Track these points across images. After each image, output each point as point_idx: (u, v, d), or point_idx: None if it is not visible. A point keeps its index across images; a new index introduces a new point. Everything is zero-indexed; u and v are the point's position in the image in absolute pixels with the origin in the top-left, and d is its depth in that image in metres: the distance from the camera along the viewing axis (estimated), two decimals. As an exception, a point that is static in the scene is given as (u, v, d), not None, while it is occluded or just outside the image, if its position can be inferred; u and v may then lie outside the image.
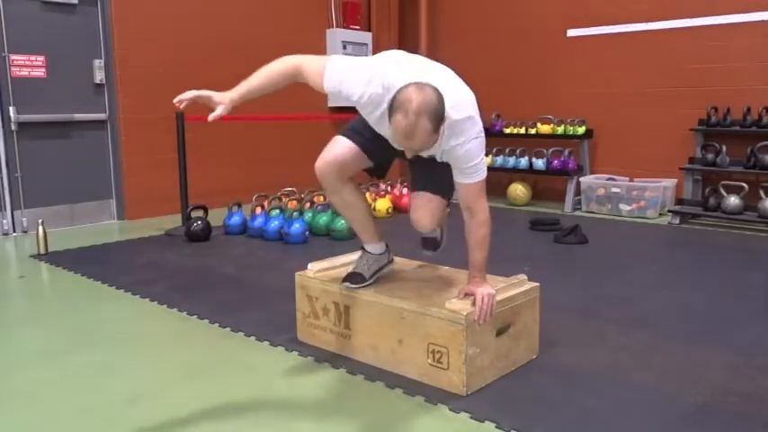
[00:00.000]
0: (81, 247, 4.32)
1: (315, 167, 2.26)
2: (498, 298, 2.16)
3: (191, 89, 2.08)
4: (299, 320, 2.58)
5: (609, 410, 1.99)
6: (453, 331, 2.07)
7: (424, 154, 2.10)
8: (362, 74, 2.01)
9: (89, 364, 2.39)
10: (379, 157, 2.30)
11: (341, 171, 2.25)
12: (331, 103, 6.69)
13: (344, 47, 6.70)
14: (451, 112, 1.93)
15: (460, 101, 2.00)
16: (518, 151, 6.16)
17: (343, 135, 2.28)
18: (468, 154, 2.03)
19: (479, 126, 2.05)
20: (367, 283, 2.37)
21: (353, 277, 2.38)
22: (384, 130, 2.10)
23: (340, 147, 2.25)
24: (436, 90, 1.86)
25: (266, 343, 2.58)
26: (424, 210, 2.31)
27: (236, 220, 4.75)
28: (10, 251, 4.32)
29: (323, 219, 4.61)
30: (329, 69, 2.04)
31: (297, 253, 4.11)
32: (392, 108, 1.85)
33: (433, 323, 2.12)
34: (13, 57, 4.68)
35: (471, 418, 1.96)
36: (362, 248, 2.47)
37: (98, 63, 5.11)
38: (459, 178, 2.11)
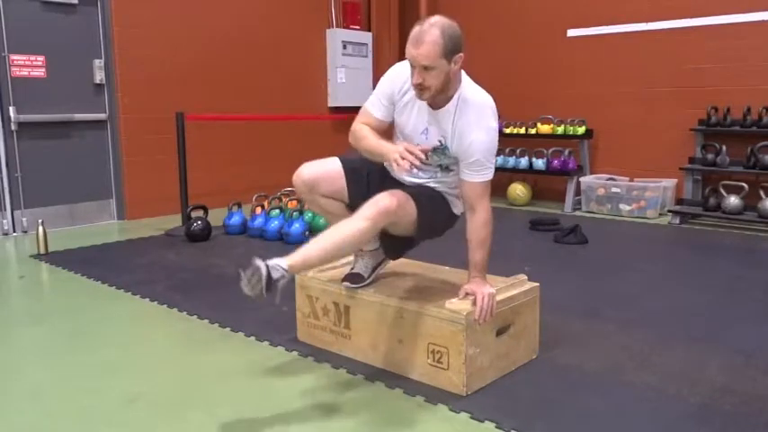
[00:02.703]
0: (81, 247, 4.32)
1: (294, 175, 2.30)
2: (498, 298, 2.16)
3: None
4: (299, 320, 2.58)
5: (609, 410, 1.99)
6: (453, 331, 2.07)
7: (440, 122, 2.10)
8: (377, 90, 2.22)
9: (89, 364, 2.39)
10: (358, 192, 2.24)
11: (313, 187, 2.26)
12: (331, 104, 6.70)
13: (344, 47, 6.70)
14: (475, 91, 2.09)
15: (485, 97, 2.13)
16: (518, 151, 6.16)
17: (340, 158, 2.31)
18: (480, 142, 2.06)
19: (497, 127, 2.13)
20: (366, 281, 2.37)
21: (352, 277, 2.38)
22: (405, 116, 2.19)
23: (325, 165, 2.28)
24: (457, 29, 1.97)
25: (266, 343, 2.58)
26: (393, 194, 2.10)
27: (236, 220, 4.75)
28: (10, 251, 4.32)
29: (323, 219, 4.59)
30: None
31: (297, 253, 4.10)
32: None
33: (433, 323, 2.12)
34: (13, 57, 4.68)
35: (471, 418, 1.96)
36: None
37: (98, 63, 5.11)
38: (465, 175, 2.12)
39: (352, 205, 2.20)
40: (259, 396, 2.12)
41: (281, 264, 1.93)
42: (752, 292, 3.24)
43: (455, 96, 2.07)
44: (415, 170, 2.01)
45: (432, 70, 1.95)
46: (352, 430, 1.90)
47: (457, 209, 2.33)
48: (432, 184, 2.27)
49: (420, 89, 2.00)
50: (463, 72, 2.11)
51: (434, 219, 2.26)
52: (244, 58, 6.01)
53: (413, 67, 1.98)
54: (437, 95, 2.04)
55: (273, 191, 5.11)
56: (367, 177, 2.27)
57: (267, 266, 1.89)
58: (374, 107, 2.20)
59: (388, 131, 2.24)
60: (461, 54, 1.98)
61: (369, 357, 2.34)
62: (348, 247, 2.09)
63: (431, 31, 1.91)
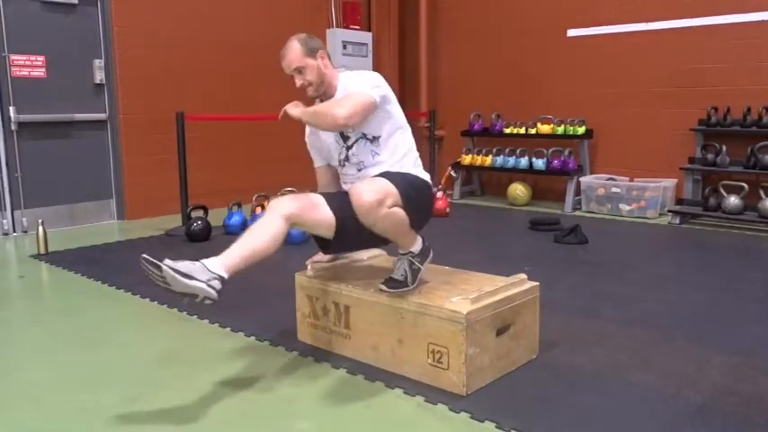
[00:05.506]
0: (81, 247, 4.32)
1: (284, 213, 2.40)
2: (498, 298, 2.18)
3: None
4: (299, 320, 2.58)
5: (609, 410, 1.99)
6: (453, 331, 2.07)
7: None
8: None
9: (89, 364, 2.39)
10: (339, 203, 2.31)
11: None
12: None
13: (344, 47, 6.69)
14: (352, 75, 2.38)
15: (355, 79, 2.36)
16: (518, 151, 6.16)
17: (322, 194, 2.41)
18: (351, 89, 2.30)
19: (370, 77, 2.34)
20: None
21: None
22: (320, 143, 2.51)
23: (311, 202, 2.39)
24: (311, 36, 2.37)
25: (266, 343, 2.58)
26: (365, 184, 2.15)
27: (236, 220, 4.75)
28: (10, 251, 4.32)
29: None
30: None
31: (297, 253, 4.09)
32: None
33: (433, 323, 2.12)
34: (13, 57, 4.68)
35: (471, 418, 1.96)
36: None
37: (98, 63, 5.11)
38: None
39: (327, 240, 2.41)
40: (259, 396, 2.12)
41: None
42: (752, 292, 3.24)
43: (338, 86, 2.37)
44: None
45: (304, 70, 2.32)
46: (353, 430, 1.90)
47: (423, 174, 2.38)
48: (379, 168, 2.30)
49: (304, 88, 2.36)
50: (342, 70, 2.43)
51: (412, 189, 2.24)
52: (244, 57, 6.01)
53: (294, 77, 2.35)
54: (320, 89, 2.36)
55: (273, 191, 5.11)
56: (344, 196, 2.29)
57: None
58: (315, 161, 2.61)
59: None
60: (322, 50, 2.34)
61: (369, 357, 2.34)
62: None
63: (289, 44, 2.33)
